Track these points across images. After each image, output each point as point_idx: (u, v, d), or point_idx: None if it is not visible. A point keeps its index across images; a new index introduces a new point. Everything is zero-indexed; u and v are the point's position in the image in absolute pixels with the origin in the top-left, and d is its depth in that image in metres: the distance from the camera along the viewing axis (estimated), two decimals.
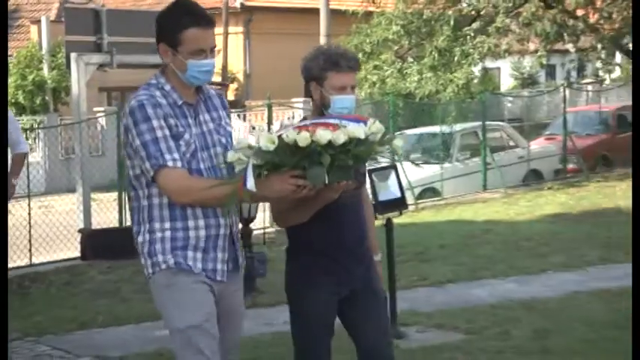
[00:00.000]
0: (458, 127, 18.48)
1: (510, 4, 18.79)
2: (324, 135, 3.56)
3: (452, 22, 19.04)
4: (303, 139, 3.55)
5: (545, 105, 27.77)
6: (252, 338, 7.37)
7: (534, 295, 8.48)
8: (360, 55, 20.29)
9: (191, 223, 3.83)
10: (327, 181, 3.63)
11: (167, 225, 3.82)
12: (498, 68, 34.17)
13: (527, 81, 35.52)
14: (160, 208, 3.84)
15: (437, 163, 17.58)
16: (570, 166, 19.06)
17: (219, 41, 30.89)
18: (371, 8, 20.69)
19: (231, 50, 31.83)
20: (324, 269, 4.13)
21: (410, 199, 13.33)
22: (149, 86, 3.88)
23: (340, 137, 3.58)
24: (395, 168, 7.79)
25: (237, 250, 4.01)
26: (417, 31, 19.69)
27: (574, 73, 32.21)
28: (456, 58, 19.03)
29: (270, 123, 15.68)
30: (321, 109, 4.24)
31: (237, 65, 32.75)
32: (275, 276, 9.57)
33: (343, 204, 4.06)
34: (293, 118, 5.02)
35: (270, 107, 15.65)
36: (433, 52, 19.02)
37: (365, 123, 3.75)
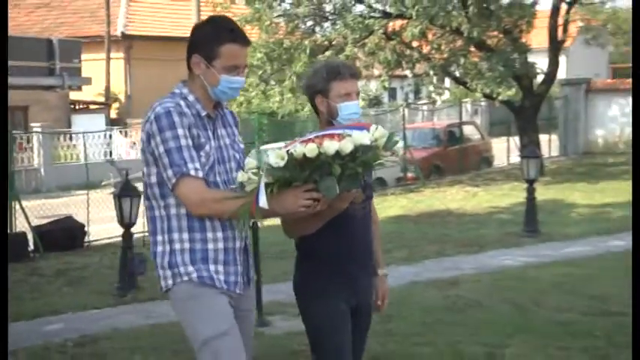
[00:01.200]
0: None
1: (357, 36, 19.06)
2: (331, 145, 3.31)
3: (308, 51, 19.18)
4: (311, 150, 3.29)
5: (388, 122, 28.17)
6: (134, 329, 7.28)
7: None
8: None
9: (210, 235, 3.48)
10: (337, 192, 3.38)
11: (185, 236, 3.47)
12: None
13: (373, 101, 36.00)
14: (177, 218, 3.48)
15: None
16: (409, 174, 19.37)
17: (102, 67, 30.86)
18: None
19: (113, 74, 31.65)
20: (337, 279, 3.85)
21: None
22: (174, 95, 3.56)
23: (347, 146, 3.33)
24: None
25: (249, 263, 3.74)
26: (278, 58, 19.78)
27: (411, 95, 32.83)
28: None
29: None
30: (329, 121, 3.94)
31: (118, 87, 32.53)
32: (153, 274, 9.50)
33: (353, 215, 3.81)
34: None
35: None
36: (292, 77, 19.17)
37: (367, 129, 3.48)
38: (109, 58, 31.25)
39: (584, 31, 25.87)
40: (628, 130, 23.32)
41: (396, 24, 19.72)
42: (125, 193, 9.03)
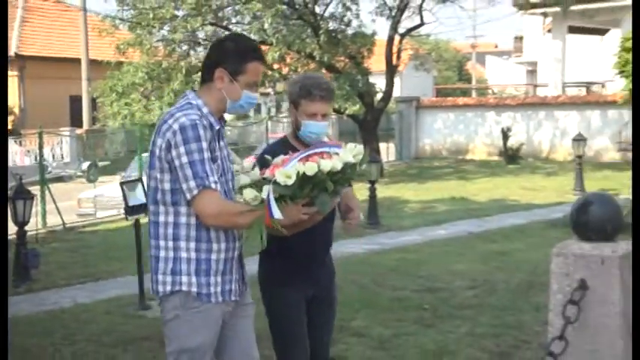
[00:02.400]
0: None
1: None
2: (326, 164, 3.16)
3: (184, 71, 19.05)
4: (311, 169, 3.13)
5: (254, 133, 28.23)
6: (29, 317, 7.02)
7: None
8: (113, 95, 20.11)
9: (215, 246, 3.17)
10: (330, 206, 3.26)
11: (192, 245, 3.14)
12: None
13: (241, 116, 35.86)
14: (187, 227, 3.14)
15: None
16: None
17: None
18: (122, 59, 20.35)
19: (8, 89, 30.41)
20: (295, 272, 3.66)
21: None
22: (191, 106, 3.17)
23: (338, 165, 3.21)
24: (141, 180, 7.71)
25: (243, 269, 3.39)
26: (157, 77, 19.58)
27: (273, 110, 32.86)
28: None
29: (41, 147, 15.11)
30: (294, 133, 3.76)
31: (13, 101, 31.44)
32: (46, 267, 9.23)
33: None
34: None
35: (41, 135, 15.00)
36: (170, 93, 19.00)
37: (339, 147, 3.36)
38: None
39: (414, 58, 26.56)
40: (450, 139, 24.08)
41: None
42: (19, 195, 8.76)
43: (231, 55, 3.23)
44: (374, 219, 11.78)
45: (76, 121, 30.46)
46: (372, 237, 10.83)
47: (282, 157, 3.35)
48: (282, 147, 3.68)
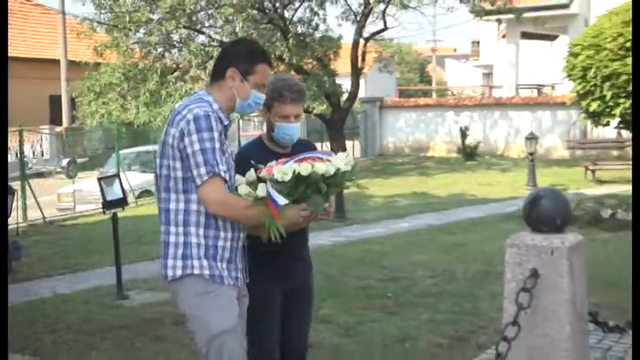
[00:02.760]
0: None
1: (199, 61, 18.92)
2: (320, 167, 3.19)
3: (159, 72, 18.94)
4: (305, 169, 3.16)
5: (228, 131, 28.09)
6: (12, 307, 6.92)
7: None
8: (91, 95, 19.96)
9: (222, 234, 3.14)
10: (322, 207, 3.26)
11: (202, 231, 3.10)
12: None
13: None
14: (198, 214, 3.10)
15: (151, 172, 17.31)
16: None
17: None
18: (99, 60, 20.19)
19: None
20: (271, 267, 3.58)
21: (131, 198, 13.06)
22: (203, 101, 3.16)
23: (331, 169, 3.24)
24: (118, 176, 7.67)
25: (245, 260, 3.36)
26: (134, 77, 19.43)
27: None
28: (162, 98, 19.09)
29: (21, 144, 15.01)
30: (269, 134, 3.68)
31: None
32: (27, 259, 9.16)
33: None
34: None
35: (21, 132, 15.03)
36: (146, 93, 18.92)
37: (329, 155, 3.36)
38: None
39: (378, 60, 26.53)
40: (412, 137, 24.18)
41: None
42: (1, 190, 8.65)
43: (243, 56, 3.25)
44: (340, 213, 11.80)
45: (55, 119, 30.15)
46: (339, 230, 10.86)
47: (274, 161, 3.32)
48: (258, 148, 3.65)
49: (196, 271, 3.10)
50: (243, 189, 3.23)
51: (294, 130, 3.63)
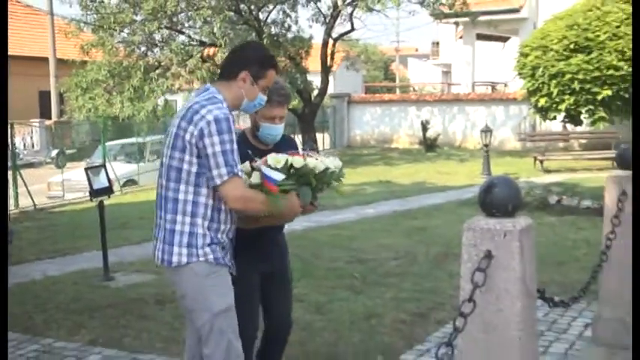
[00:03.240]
0: (149, 138, 18.20)
1: (180, 59, 18.86)
2: (312, 162, 3.20)
3: (142, 69, 18.81)
4: (298, 162, 3.16)
5: None
6: None
7: None
8: (79, 90, 19.74)
9: (222, 227, 3.11)
10: (310, 199, 3.26)
11: (207, 224, 3.05)
12: (175, 100, 33.85)
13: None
14: (205, 207, 3.04)
15: (135, 163, 17.20)
16: None
17: None
18: (86, 58, 19.98)
19: None
20: (249, 252, 3.50)
21: (116, 187, 12.96)
22: (218, 101, 3.08)
23: (321, 166, 3.24)
24: (104, 166, 7.61)
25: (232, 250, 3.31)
26: (118, 74, 19.31)
27: None
28: (145, 93, 18.97)
29: (13, 137, 14.79)
30: (252, 132, 3.62)
31: None
32: (18, 243, 9.03)
33: None
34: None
35: (12, 125, 14.73)
36: (130, 89, 18.79)
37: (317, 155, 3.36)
38: None
39: (345, 59, 26.54)
40: (377, 130, 24.23)
41: (209, 50, 19.59)
42: None
43: (256, 61, 3.19)
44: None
45: (45, 113, 29.90)
46: (310, 215, 10.77)
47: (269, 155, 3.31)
48: (242, 143, 3.54)
49: (202, 258, 3.06)
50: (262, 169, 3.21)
51: (278, 130, 3.59)
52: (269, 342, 3.91)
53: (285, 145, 3.65)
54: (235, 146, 3.03)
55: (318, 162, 3.25)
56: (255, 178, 3.18)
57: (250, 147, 3.54)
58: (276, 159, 3.16)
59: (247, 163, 3.30)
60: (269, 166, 3.14)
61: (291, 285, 3.95)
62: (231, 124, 3.02)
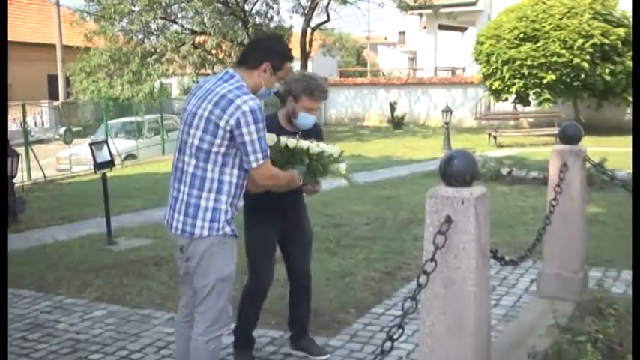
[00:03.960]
0: (146, 117, 18.01)
1: (174, 46, 18.70)
2: (304, 143, 3.24)
3: (140, 55, 18.63)
4: (291, 142, 3.22)
5: None
6: (19, 251, 6.79)
7: None
8: (83, 74, 19.51)
9: (237, 203, 3.08)
10: (302, 182, 3.30)
11: (229, 200, 3.00)
12: (170, 83, 33.57)
13: (187, 91, 35.09)
14: (229, 185, 2.99)
15: (134, 139, 17.04)
16: None
17: None
18: (89, 45, 19.71)
19: None
20: (269, 212, 3.61)
21: (117, 161, 12.86)
22: (244, 87, 3.01)
23: (315, 149, 3.28)
24: (107, 142, 7.52)
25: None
26: (118, 59, 19.12)
27: None
28: (143, 77, 18.81)
29: (25, 116, 14.60)
30: (289, 117, 3.64)
31: None
32: (31, 212, 8.95)
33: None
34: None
35: (24, 106, 14.53)
36: (129, 73, 18.63)
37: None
38: None
39: (322, 46, 26.39)
40: (350, 110, 24.17)
41: (200, 38, 19.39)
42: (8, 154, 8.41)
43: (277, 54, 3.14)
44: None
45: (53, 95, 29.65)
46: None
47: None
48: (273, 123, 3.57)
49: (220, 232, 3.01)
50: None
51: (312, 120, 3.66)
52: (294, 292, 3.99)
53: (313, 130, 3.69)
54: (266, 132, 3.00)
55: (312, 144, 3.25)
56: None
57: (280, 129, 3.56)
58: (270, 138, 3.16)
59: None
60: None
61: (309, 241, 3.96)
62: (262, 114, 2.97)
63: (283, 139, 3.24)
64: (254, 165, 2.97)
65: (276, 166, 3.20)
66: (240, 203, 3.23)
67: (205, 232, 2.99)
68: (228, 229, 3.02)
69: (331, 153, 3.38)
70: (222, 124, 2.92)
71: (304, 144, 3.24)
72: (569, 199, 4.16)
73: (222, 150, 2.97)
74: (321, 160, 3.33)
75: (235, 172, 3.02)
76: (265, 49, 3.14)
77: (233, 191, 3.03)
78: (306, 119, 3.62)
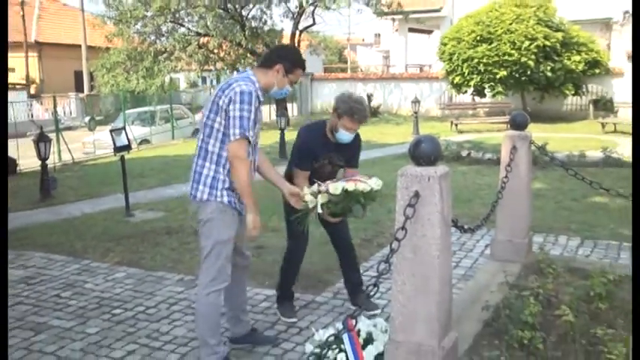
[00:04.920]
0: (158, 107, 17.78)
1: (181, 46, 18.52)
2: (361, 185, 3.19)
3: (152, 54, 18.42)
4: (351, 186, 3.16)
5: (201, 96, 27.39)
6: (50, 223, 6.75)
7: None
8: (104, 70, 19.32)
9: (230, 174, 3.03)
10: (363, 213, 3.29)
11: (225, 171, 3.00)
12: (178, 78, 33.17)
13: (193, 85, 34.68)
14: (225, 159, 2.98)
15: (148, 126, 16.88)
16: None
17: (22, 63, 28.21)
18: (109, 45, 19.46)
19: (30, 66, 29.04)
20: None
21: (134, 145, 12.74)
22: (252, 82, 3.00)
23: (367, 188, 3.21)
24: (124, 129, 7.43)
25: None
26: (134, 57, 18.92)
27: (215, 81, 32.02)
28: (155, 72, 18.64)
29: (55, 106, 14.43)
30: (332, 129, 3.59)
31: (34, 74, 29.94)
32: (61, 189, 8.87)
33: (330, 172, 3.64)
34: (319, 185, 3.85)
35: (54, 98, 14.43)
36: (143, 69, 18.44)
37: (365, 178, 3.28)
38: (27, 57, 28.60)
39: (309, 47, 26.17)
40: (334, 101, 24.03)
41: (204, 39, 19.18)
42: (41, 139, 8.30)
43: (290, 59, 3.15)
44: (283, 154, 11.75)
45: (79, 88, 29.51)
46: (283, 166, 10.71)
47: (329, 181, 3.28)
48: (320, 137, 3.59)
49: (218, 199, 3.01)
50: (308, 197, 3.23)
51: (350, 137, 3.58)
52: (343, 264, 4.01)
53: (352, 142, 3.64)
54: (252, 116, 2.94)
55: (365, 185, 3.21)
56: (312, 202, 3.20)
57: (323, 136, 3.57)
58: (335, 187, 3.15)
59: (315, 186, 3.28)
60: (329, 193, 3.17)
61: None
62: (253, 99, 2.94)
63: (344, 185, 3.18)
64: (232, 138, 2.94)
65: (337, 214, 3.25)
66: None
67: (205, 197, 3.02)
68: (225, 199, 3.01)
69: (376, 188, 3.31)
70: (221, 102, 2.97)
71: (360, 186, 3.19)
72: (518, 176, 4.17)
73: (222, 128, 2.97)
74: (371, 195, 3.29)
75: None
76: (280, 54, 3.17)
77: (226, 163, 3.01)
78: (344, 136, 3.58)
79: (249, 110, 2.92)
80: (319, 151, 3.62)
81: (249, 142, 2.98)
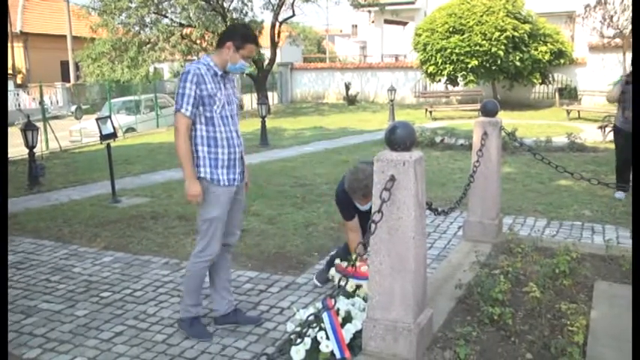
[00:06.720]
0: (143, 96, 17.52)
1: (165, 37, 18.21)
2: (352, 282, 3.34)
3: (136, 44, 18.08)
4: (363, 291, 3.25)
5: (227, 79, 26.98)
6: (39, 209, 6.61)
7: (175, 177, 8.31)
8: (89, 60, 18.97)
9: (219, 150, 3.08)
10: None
11: (205, 149, 3.06)
12: (162, 68, 32.70)
13: (176, 74, 34.18)
14: (201, 138, 3.06)
15: (133, 115, 16.62)
16: None
17: (8, 53, 27.48)
18: (94, 35, 19.06)
19: (16, 56, 28.33)
20: None
21: (120, 133, 12.54)
22: (199, 62, 3.07)
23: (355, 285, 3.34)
24: (110, 117, 7.29)
25: (243, 164, 3.25)
26: (119, 48, 18.54)
27: None
28: (139, 62, 18.35)
29: (42, 95, 14.09)
30: (348, 196, 3.52)
31: (20, 64, 29.31)
32: (49, 176, 8.70)
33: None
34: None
35: (41, 87, 14.02)
36: (128, 59, 18.11)
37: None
38: (12, 47, 27.84)
39: (289, 37, 25.98)
40: (312, 90, 23.91)
41: (187, 30, 18.91)
42: (28, 127, 8.09)
43: (238, 36, 3.12)
44: (264, 141, 11.68)
45: (65, 77, 29.05)
46: (264, 152, 10.74)
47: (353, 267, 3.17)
48: (350, 198, 3.55)
49: (202, 175, 3.08)
50: (336, 275, 3.56)
51: (367, 207, 3.44)
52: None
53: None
54: (188, 92, 2.99)
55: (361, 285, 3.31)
56: (336, 279, 3.50)
57: (352, 203, 3.54)
58: (351, 284, 3.31)
59: (338, 275, 3.55)
60: (346, 290, 3.28)
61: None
62: (195, 77, 3.00)
63: (355, 282, 3.33)
64: (175, 112, 3.05)
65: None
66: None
67: (197, 175, 3.09)
68: (209, 177, 3.08)
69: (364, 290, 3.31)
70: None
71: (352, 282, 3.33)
72: (489, 161, 4.20)
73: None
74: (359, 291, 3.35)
75: (204, 127, 3.07)
76: (229, 33, 3.18)
77: (207, 142, 3.07)
78: (362, 207, 3.51)
79: (189, 88, 3.00)
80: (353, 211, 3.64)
81: (186, 117, 3.01)
